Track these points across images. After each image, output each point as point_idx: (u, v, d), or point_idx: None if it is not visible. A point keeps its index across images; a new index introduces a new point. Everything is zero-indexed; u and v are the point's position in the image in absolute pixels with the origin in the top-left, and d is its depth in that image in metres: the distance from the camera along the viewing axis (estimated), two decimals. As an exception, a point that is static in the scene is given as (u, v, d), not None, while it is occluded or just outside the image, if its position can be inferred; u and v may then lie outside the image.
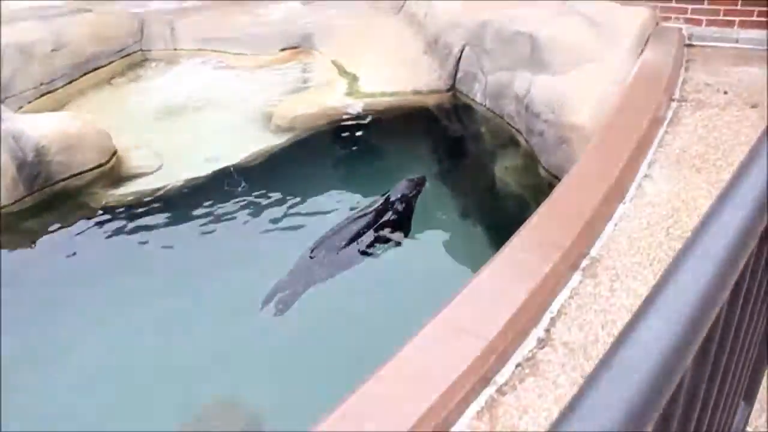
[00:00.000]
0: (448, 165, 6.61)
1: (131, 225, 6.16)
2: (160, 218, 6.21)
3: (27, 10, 9.92)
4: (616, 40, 5.32)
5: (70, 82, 8.74)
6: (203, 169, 6.66)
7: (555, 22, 5.79)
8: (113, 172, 6.73)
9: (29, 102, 8.24)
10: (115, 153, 6.78)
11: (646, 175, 3.91)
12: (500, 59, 6.31)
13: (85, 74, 8.92)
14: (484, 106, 6.69)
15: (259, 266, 5.31)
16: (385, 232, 5.58)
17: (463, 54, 6.98)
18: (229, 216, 6.14)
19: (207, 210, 6.25)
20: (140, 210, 6.30)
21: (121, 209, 6.33)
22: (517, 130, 6.10)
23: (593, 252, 3.30)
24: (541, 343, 2.74)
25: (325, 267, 5.14)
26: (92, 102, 8.37)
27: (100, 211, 6.27)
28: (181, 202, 6.34)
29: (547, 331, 2.81)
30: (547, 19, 5.88)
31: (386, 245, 5.50)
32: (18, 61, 8.25)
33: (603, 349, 2.68)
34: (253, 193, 6.41)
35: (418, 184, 6.02)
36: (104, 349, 4.58)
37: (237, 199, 6.33)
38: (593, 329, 2.79)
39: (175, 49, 9.51)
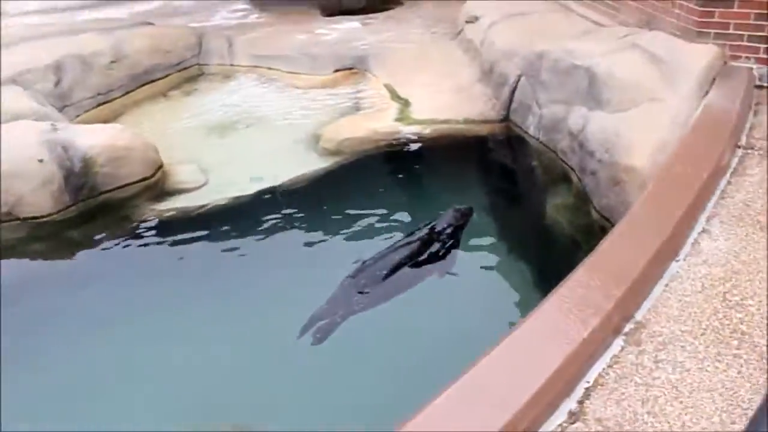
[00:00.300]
0: (497, 198, 6.38)
1: (171, 240, 6.13)
2: (201, 235, 6.16)
3: (90, 22, 10.16)
4: (679, 79, 5.02)
5: (127, 93, 8.82)
6: (248, 188, 6.61)
7: (615, 56, 5.52)
8: (158, 186, 6.72)
9: (86, 111, 8.33)
10: (161, 167, 6.77)
11: (703, 230, 3.62)
12: (556, 92, 6.06)
13: (141, 86, 9.00)
14: (538, 139, 6.44)
15: (298, 292, 5.18)
16: (429, 263, 5.39)
17: (519, 84, 6.76)
18: (270, 238, 6.04)
19: (248, 230, 6.18)
20: (182, 226, 6.26)
21: (163, 224, 6.30)
22: (570, 168, 5.83)
23: (639, 315, 3.04)
24: (572, 417, 2.50)
25: (365, 296, 4.98)
26: (146, 114, 8.43)
27: (143, 225, 6.27)
28: (222, 221, 6.27)
29: (581, 403, 2.57)
30: (607, 53, 5.62)
31: (429, 277, 5.28)
32: (78, 71, 8.36)
33: (642, 429, 2.43)
34: (296, 216, 6.32)
35: (465, 215, 5.82)
36: (132, 366, 4.51)
37: (279, 221, 6.24)
38: (632, 405, 2.54)
39: (232, 65, 9.54)
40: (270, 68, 9.21)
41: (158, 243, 6.09)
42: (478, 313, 4.88)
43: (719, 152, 4.13)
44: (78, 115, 8.14)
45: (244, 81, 9.12)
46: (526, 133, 6.66)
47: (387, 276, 5.10)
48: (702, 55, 5.21)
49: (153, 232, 6.23)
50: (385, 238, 5.78)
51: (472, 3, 8.39)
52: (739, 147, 4.41)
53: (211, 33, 9.89)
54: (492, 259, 5.63)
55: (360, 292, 4.99)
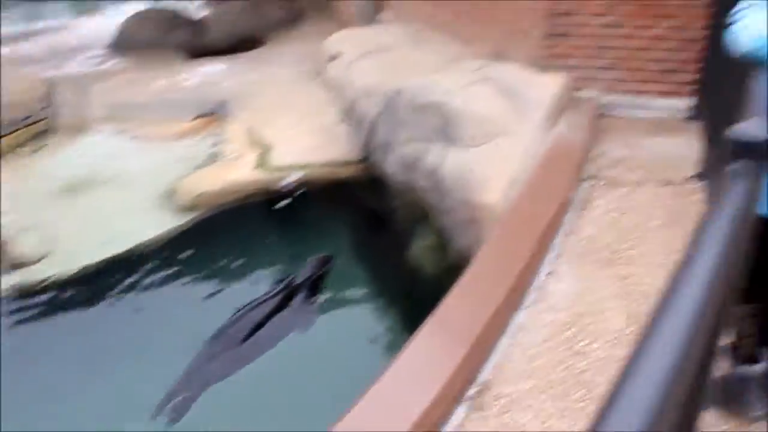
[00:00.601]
0: (360, 244, 6.16)
1: (7, 321, 5.56)
2: (41, 313, 5.66)
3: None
4: (530, 111, 4.99)
5: (-35, 154, 8.08)
6: (96, 255, 6.12)
7: (468, 91, 5.44)
8: (-6, 260, 6.09)
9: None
10: (-6, 239, 6.14)
11: (550, 272, 3.49)
12: (413, 130, 5.93)
13: (-18, 144, 8.27)
14: (399, 179, 6.27)
15: (154, 365, 4.83)
16: (290, 318, 5.20)
17: (378, 123, 6.59)
18: (120, 308, 5.64)
19: (95, 302, 5.73)
20: (19, 305, 5.71)
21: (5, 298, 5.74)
22: (431, 207, 5.68)
23: (483, 376, 2.84)
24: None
25: (223, 363, 4.75)
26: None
27: None
28: (67, 294, 5.80)
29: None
30: (461, 87, 5.53)
31: (291, 333, 5.07)
32: None
33: None
34: (149, 281, 5.91)
35: (324, 264, 5.70)
36: None
37: (131, 289, 5.82)
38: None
39: (86, 117, 8.94)
40: (127, 118, 8.69)
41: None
42: (344, 368, 4.62)
43: (566, 185, 4.08)
44: None
45: (99, 134, 8.56)
46: (387, 173, 6.48)
47: (245, 339, 4.94)
48: (550, 86, 5.22)
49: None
50: (246, 295, 5.47)
51: (334, 39, 8.22)
52: (584, 179, 4.36)
53: (64, 82, 9.28)
54: (357, 309, 5.44)
55: (217, 361, 4.77)
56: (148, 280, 5.92)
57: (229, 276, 5.92)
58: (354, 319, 5.30)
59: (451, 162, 5.21)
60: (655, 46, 5.08)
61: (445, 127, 5.42)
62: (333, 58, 7.85)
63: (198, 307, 5.50)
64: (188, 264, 6.08)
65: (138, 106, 8.70)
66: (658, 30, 5.02)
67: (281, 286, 5.44)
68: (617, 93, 5.38)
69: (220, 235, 6.45)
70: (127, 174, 7.45)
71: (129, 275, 5.95)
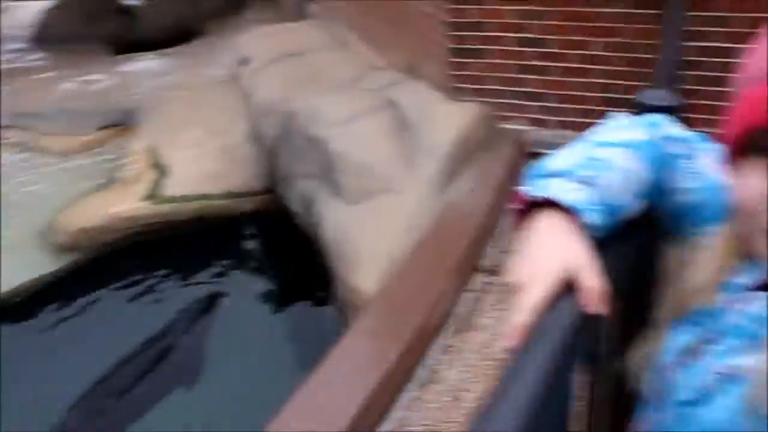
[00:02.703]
0: (257, 298, 5.08)
1: None
2: None
3: None
4: (425, 156, 3.84)
5: None
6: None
7: (356, 124, 4.29)
8: None
9: None
10: None
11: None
12: (307, 164, 4.81)
13: None
14: (300, 219, 5.18)
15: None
16: (175, 367, 4.56)
17: (278, 149, 5.47)
18: None
19: None
20: None
21: None
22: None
23: None
24: None
25: (101, 426, 4.11)
26: None
27: None
28: None
29: None
30: (349, 118, 4.38)
31: (177, 386, 4.36)
32: None
33: None
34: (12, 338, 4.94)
35: (210, 304, 5.05)
36: None
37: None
38: None
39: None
40: (25, 128, 7.62)
41: None
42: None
43: (442, 286, 2.95)
44: None
45: (-7, 150, 7.51)
46: (290, 209, 5.38)
47: (123, 394, 4.31)
48: (458, 119, 4.04)
49: None
50: (126, 348, 4.65)
51: (246, 38, 7.04)
52: (479, 271, 3.22)
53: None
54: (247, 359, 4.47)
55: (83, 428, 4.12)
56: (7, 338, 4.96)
57: (107, 328, 4.97)
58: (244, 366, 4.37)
59: (331, 220, 4.11)
60: (592, 69, 3.87)
61: (328, 171, 4.29)
62: (244, 62, 6.68)
63: (67, 365, 4.60)
64: (59, 315, 5.22)
65: (37, 116, 7.60)
66: (596, 49, 3.80)
67: (162, 333, 4.78)
68: (549, 127, 4.17)
69: (100, 281, 5.50)
70: (15, 198, 6.40)
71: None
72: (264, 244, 5.67)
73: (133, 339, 4.74)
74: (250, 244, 5.68)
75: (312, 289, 5.01)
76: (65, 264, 5.56)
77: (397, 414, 2.59)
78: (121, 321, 5.05)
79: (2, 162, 7.06)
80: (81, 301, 5.32)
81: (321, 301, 4.90)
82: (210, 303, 5.07)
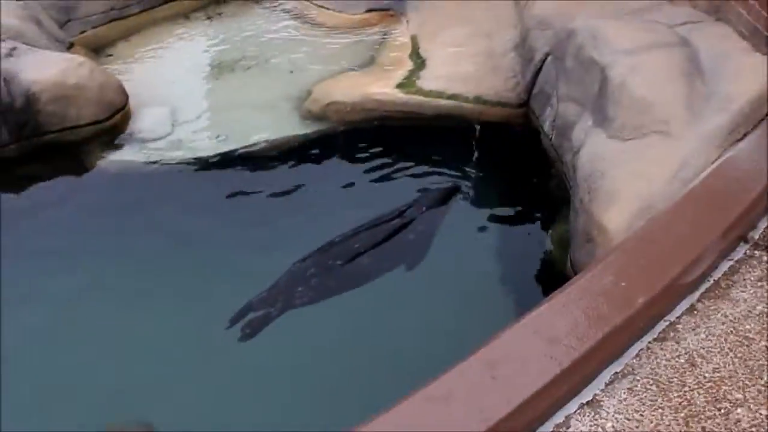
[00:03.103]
0: (491, 221, 5.02)
1: (115, 196, 5.47)
2: (145, 195, 5.44)
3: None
4: (712, 109, 3.51)
5: (145, 11, 7.96)
6: (209, 148, 5.80)
7: (644, 56, 4.00)
8: (116, 131, 5.95)
9: (94, 27, 7.56)
10: (120, 110, 5.96)
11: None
12: (575, 87, 4.62)
13: (163, 3, 8.09)
14: (551, 140, 5.04)
15: (244, 273, 4.46)
16: (397, 251, 4.59)
17: (544, 65, 5.29)
18: (222, 209, 5.28)
19: (197, 197, 5.42)
20: (130, 181, 5.55)
21: (109, 176, 5.63)
22: (569, 192, 4.46)
23: None
24: None
25: (310, 288, 4.28)
26: (154, 39, 7.58)
27: (89, 174, 5.66)
28: (171, 183, 5.50)
29: None
30: (638, 47, 4.09)
31: (394, 269, 4.46)
32: (89, -20, 7.57)
33: None
34: (253, 189, 5.43)
35: (447, 197, 5.06)
36: (45, 335, 4.03)
37: (234, 192, 5.39)
38: None
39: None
40: (304, -1, 8.04)
41: (101, 197, 5.43)
42: (445, 316, 4.04)
43: (700, 249, 2.74)
44: (83, 32, 7.41)
45: (272, 11, 8.03)
46: (541, 128, 5.25)
47: (342, 265, 4.41)
48: (761, 75, 3.63)
49: (99, 181, 5.58)
50: (355, 218, 4.88)
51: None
52: (746, 241, 2.94)
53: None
54: (472, 261, 4.55)
55: (305, 284, 4.29)
56: (249, 188, 5.44)
57: (338, 198, 5.27)
58: (466, 270, 4.45)
59: (590, 149, 3.94)
60: None
61: (599, 98, 4.08)
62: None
63: (299, 226, 4.94)
64: (298, 177, 5.52)
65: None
66: None
67: (398, 212, 4.86)
68: None
69: (340, 153, 5.76)
70: (280, 62, 6.90)
71: (234, 178, 5.55)
72: (504, 156, 5.58)
73: (366, 213, 4.91)
74: (491, 153, 5.60)
75: (543, 210, 4.92)
76: (312, 131, 5.88)
77: (625, 360, 2.50)
78: (356, 194, 5.30)
79: (279, 25, 7.55)
80: (313, 171, 5.60)
81: (548, 225, 4.83)
82: (448, 195, 5.11)
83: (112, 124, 5.92)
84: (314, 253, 4.52)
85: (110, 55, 7.18)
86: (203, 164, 5.63)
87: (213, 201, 5.31)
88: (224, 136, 5.87)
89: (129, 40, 7.55)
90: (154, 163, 5.64)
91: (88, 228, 5.04)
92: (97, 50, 7.19)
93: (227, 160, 5.67)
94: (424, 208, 4.91)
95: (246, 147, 5.74)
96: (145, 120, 6.07)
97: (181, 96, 6.41)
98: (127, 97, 6.07)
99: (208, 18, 8.07)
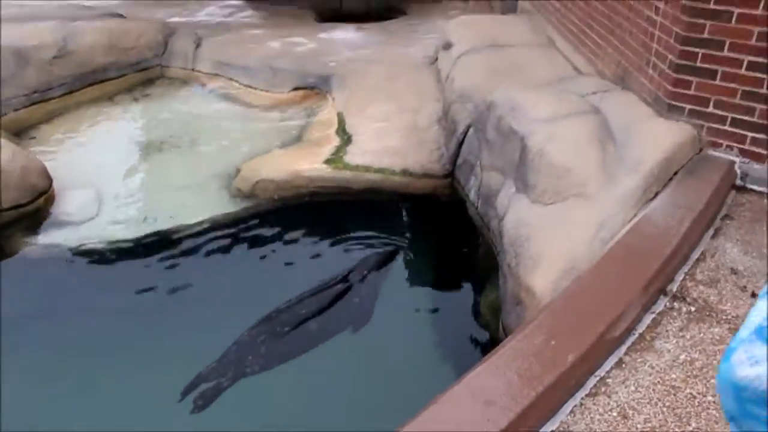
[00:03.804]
0: (423, 290, 5.10)
1: (38, 281, 5.26)
2: (69, 280, 5.27)
3: (55, 8, 9.34)
4: (625, 170, 3.70)
5: (70, 93, 7.93)
6: (136, 230, 5.68)
7: (560, 125, 4.20)
8: (39, 215, 5.80)
9: (15, 110, 7.48)
10: (43, 193, 5.83)
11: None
12: (496, 156, 4.79)
13: (88, 86, 8.10)
14: (476, 208, 5.19)
15: (188, 349, 4.39)
16: (341, 316, 4.67)
17: (467, 136, 5.49)
18: (155, 290, 5.13)
19: (127, 279, 5.26)
20: (53, 265, 5.39)
21: (31, 261, 5.44)
22: (497, 256, 4.58)
23: None
24: None
25: (260, 357, 4.29)
26: (80, 120, 7.53)
27: (12, 258, 5.44)
28: (95, 266, 5.36)
29: None
30: (554, 116, 4.31)
31: (341, 333, 4.53)
32: (11, 64, 7.51)
33: None
34: (187, 267, 5.34)
35: (389, 258, 5.20)
36: None
37: (167, 271, 5.26)
38: None
39: (194, 70, 8.53)
40: (229, 78, 8.17)
41: (23, 281, 5.22)
42: (399, 372, 4.11)
43: (627, 303, 2.85)
44: (4, 114, 7.30)
45: (198, 92, 8.12)
46: (467, 197, 5.40)
47: (289, 332, 4.49)
48: (666, 138, 3.87)
49: (19, 268, 5.38)
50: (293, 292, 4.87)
51: (452, 25, 7.10)
52: (665, 294, 3.08)
53: (181, 32, 8.90)
54: (406, 330, 4.59)
55: (254, 353, 4.35)
56: (187, 263, 5.37)
57: (265, 277, 5.24)
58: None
59: (514, 214, 4.07)
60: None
61: (521, 165, 4.25)
62: (447, 46, 6.75)
63: (240, 296, 4.95)
64: (227, 255, 5.49)
65: (241, 69, 8.12)
66: None
67: (338, 277, 4.97)
68: (761, 162, 3.89)
69: (269, 230, 5.74)
70: (207, 141, 6.93)
71: (161, 259, 5.43)
72: (433, 226, 5.70)
73: (302, 284, 4.92)
74: (420, 223, 5.72)
75: (473, 278, 5.02)
76: (241, 209, 5.89)
77: (560, 417, 2.54)
78: (291, 267, 5.29)
79: (208, 106, 7.63)
80: (254, 245, 5.57)
81: (479, 291, 4.92)
82: (388, 258, 5.23)
83: (35, 207, 5.77)
84: (262, 321, 4.56)
85: (33, 138, 7.07)
86: (131, 246, 5.52)
87: (144, 282, 5.19)
88: (153, 217, 5.79)
89: (52, 122, 7.49)
90: (80, 246, 5.50)
91: (13, 313, 4.84)
92: (19, 133, 7.07)
93: (156, 242, 5.59)
94: (366, 272, 5.01)
95: (175, 228, 5.68)
96: (70, 203, 5.95)
97: (108, 178, 6.33)
98: (50, 180, 5.96)
99: (135, 99, 8.07)
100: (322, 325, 4.55)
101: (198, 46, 8.68)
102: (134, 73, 8.53)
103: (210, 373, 4.16)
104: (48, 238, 5.62)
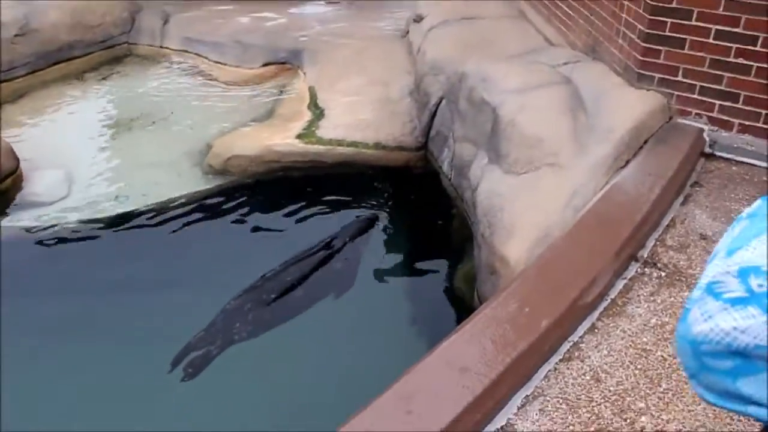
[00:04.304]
0: (398, 262, 5.12)
1: (7, 263, 5.17)
2: (39, 261, 5.20)
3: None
4: (596, 139, 3.73)
5: (34, 72, 7.77)
6: (108, 209, 5.62)
7: (531, 95, 4.22)
8: (7, 196, 5.69)
9: (-23, 90, 7.32)
10: (11, 174, 5.73)
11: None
12: (469, 127, 4.80)
13: (54, 64, 7.94)
14: (450, 180, 5.20)
15: (173, 320, 4.44)
16: (325, 282, 4.74)
17: (439, 108, 5.49)
18: (131, 266, 5.08)
19: (102, 257, 5.22)
20: (22, 247, 5.29)
21: (2, 241, 5.34)
22: (471, 229, 4.60)
23: None
24: None
25: (248, 324, 4.40)
26: (46, 99, 7.38)
27: None
28: (66, 246, 5.28)
29: None
30: (526, 88, 4.32)
31: (324, 298, 4.61)
32: (-27, 43, 7.33)
33: None
34: (160, 244, 5.31)
35: (367, 226, 5.28)
36: None
37: (141, 249, 5.24)
38: None
39: (162, 47, 8.40)
40: (198, 55, 8.06)
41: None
42: (376, 341, 4.18)
43: (599, 269, 2.89)
44: (-33, 94, 7.14)
45: (168, 68, 8.00)
46: (440, 169, 5.41)
47: (275, 300, 4.52)
48: (636, 107, 3.91)
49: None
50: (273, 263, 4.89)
51: (425, -3, 7.04)
52: (636, 260, 3.12)
53: (147, 8, 8.74)
54: (382, 300, 4.68)
55: (241, 320, 4.39)
56: (160, 241, 5.34)
57: (254, 243, 5.32)
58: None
59: (486, 184, 4.09)
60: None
61: (493, 136, 4.26)
62: (418, 19, 6.72)
63: (216, 272, 4.94)
64: (206, 229, 5.48)
65: (210, 45, 8.01)
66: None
67: (320, 244, 5.01)
68: (734, 130, 3.95)
69: (241, 206, 5.70)
70: (177, 119, 6.85)
71: (143, 233, 5.40)
72: (407, 199, 5.71)
73: (283, 254, 4.95)
74: (393, 196, 5.72)
75: (448, 249, 5.05)
76: (214, 186, 5.85)
77: (534, 382, 2.57)
78: (265, 242, 5.32)
79: (176, 83, 7.52)
80: (227, 221, 5.56)
81: (454, 262, 4.96)
82: (368, 225, 5.32)
83: (2, 189, 5.67)
84: (248, 289, 4.58)
85: (-4, 119, 6.93)
86: (103, 225, 5.46)
87: (118, 260, 5.17)
88: (124, 196, 5.73)
89: (17, 102, 7.34)
90: (50, 227, 5.42)
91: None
92: (-18, 114, 6.93)
93: (128, 221, 5.54)
94: (347, 239, 5.07)
95: (146, 206, 5.62)
96: (39, 184, 5.85)
97: (77, 158, 6.23)
98: (17, 160, 5.85)
99: (103, 78, 7.93)
100: (307, 292, 4.61)
101: (166, 22, 8.54)
102: (101, 51, 8.38)
103: (198, 342, 4.20)
104: (17, 219, 5.53)
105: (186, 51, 8.18)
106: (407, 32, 7.22)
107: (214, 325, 4.33)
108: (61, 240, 5.37)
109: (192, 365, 4.04)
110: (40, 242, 5.32)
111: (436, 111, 5.52)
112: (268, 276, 4.72)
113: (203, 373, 4.03)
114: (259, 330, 4.33)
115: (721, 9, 3.70)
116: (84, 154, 6.32)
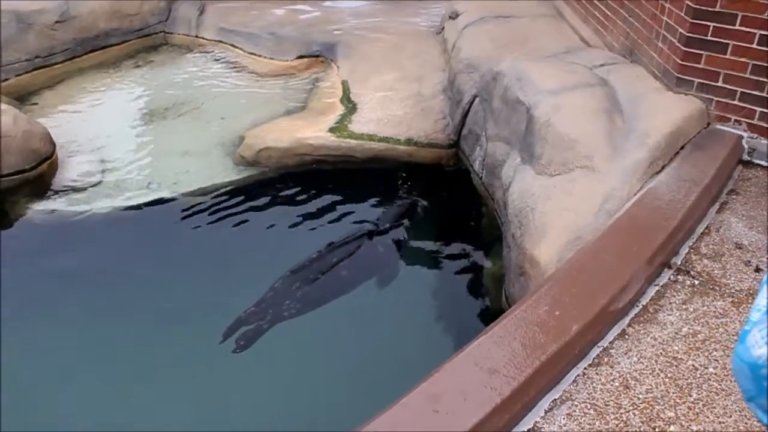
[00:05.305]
0: (427, 260, 5.11)
1: (44, 247, 5.28)
2: (73, 245, 5.27)
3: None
4: (632, 143, 3.69)
5: (72, 59, 7.88)
6: (140, 196, 5.69)
7: (567, 96, 4.18)
8: (42, 181, 5.79)
9: (18, 75, 7.47)
10: (47, 159, 5.82)
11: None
12: (502, 126, 4.77)
13: (91, 51, 8.05)
14: (481, 179, 5.18)
15: (214, 304, 4.48)
16: (372, 261, 4.88)
17: (472, 106, 5.46)
18: (166, 253, 5.18)
19: (128, 243, 5.28)
20: (59, 231, 5.39)
21: (35, 227, 5.45)
22: (501, 227, 4.58)
23: None
24: None
25: (297, 301, 4.49)
26: (83, 86, 7.48)
27: (16, 224, 5.46)
28: (99, 231, 5.34)
29: None
30: (560, 88, 4.28)
31: (368, 281, 4.70)
32: (12, 29, 7.45)
33: None
34: (193, 232, 5.34)
35: (409, 210, 5.36)
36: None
37: (173, 237, 5.31)
38: None
39: (197, 36, 8.47)
40: (233, 46, 8.11)
41: (27, 248, 5.23)
42: (419, 324, 4.32)
43: (629, 278, 2.86)
44: (6, 80, 7.27)
45: (202, 58, 8.06)
46: (472, 167, 5.39)
47: (322, 279, 4.64)
48: (674, 111, 3.85)
49: (26, 233, 5.39)
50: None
51: (459, -6, 7.02)
52: (669, 267, 3.08)
53: (185, -2, 8.81)
54: (410, 298, 4.65)
55: (291, 297, 4.50)
56: (191, 229, 5.39)
57: (270, 243, 5.28)
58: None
59: (519, 185, 4.06)
60: None
61: (527, 136, 4.24)
62: (454, 16, 6.69)
63: (251, 255, 5.07)
64: (236, 218, 5.50)
65: (245, 36, 8.06)
66: None
67: (364, 229, 5.11)
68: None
69: (272, 198, 5.73)
70: (211, 109, 6.90)
71: (172, 221, 5.45)
72: (437, 196, 5.69)
73: (310, 247, 4.97)
74: (424, 193, 5.70)
75: (477, 247, 5.03)
76: (245, 176, 5.88)
77: (563, 386, 2.56)
78: (295, 234, 5.32)
79: (211, 72, 7.58)
80: (257, 212, 5.58)
81: (482, 261, 4.94)
82: (409, 210, 5.39)
83: (39, 173, 5.77)
84: (295, 269, 4.68)
85: (35, 104, 7.03)
86: (129, 215, 5.51)
87: (149, 247, 5.24)
88: (156, 183, 5.79)
89: (55, 88, 7.45)
90: (84, 212, 5.50)
91: (18, 278, 4.86)
92: (21, 98, 7.04)
93: (160, 208, 5.59)
94: (388, 225, 5.16)
95: (178, 194, 5.68)
96: (74, 169, 5.94)
97: (111, 144, 6.31)
98: (54, 145, 5.95)
99: (138, 66, 8.02)
100: (351, 273, 4.71)
101: (202, 12, 8.60)
102: (137, 40, 8.47)
103: (249, 317, 4.31)
104: (52, 203, 5.62)
105: (221, 41, 8.24)
106: (442, 29, 7.19)
107: (264, 301, 4.46)
108: (94, 225, 5.43)
109: (244, 338, 4.17)
110: (72, 227, 5.40)
111: (469, 109, 5.50)
112: (314, 256, 4.82)
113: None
114: (306, 308, 4.43)
115: (767, 14, 3.63)
116: (117, 142, 6.39)
